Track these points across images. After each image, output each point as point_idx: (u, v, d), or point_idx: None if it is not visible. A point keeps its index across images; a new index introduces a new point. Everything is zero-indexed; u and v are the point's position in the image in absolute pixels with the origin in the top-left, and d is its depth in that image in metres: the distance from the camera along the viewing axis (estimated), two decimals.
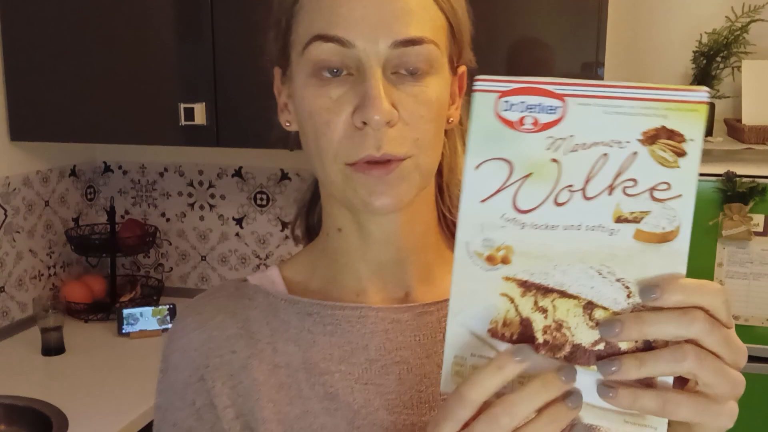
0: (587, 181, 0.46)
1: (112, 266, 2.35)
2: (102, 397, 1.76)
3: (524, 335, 0.48)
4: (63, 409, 1.68)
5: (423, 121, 0.62)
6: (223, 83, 1.95)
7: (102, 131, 2.08)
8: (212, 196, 2.45)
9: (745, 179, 1.54)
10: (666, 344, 0.46)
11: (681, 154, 0.45)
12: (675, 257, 0.46)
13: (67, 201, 2.39)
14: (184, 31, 1.98)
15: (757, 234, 1.56)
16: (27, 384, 1.82)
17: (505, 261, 0.48)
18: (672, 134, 0.45)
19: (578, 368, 0.47)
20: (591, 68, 1.76)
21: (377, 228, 0.68)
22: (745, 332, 1.59)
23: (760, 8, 1.95)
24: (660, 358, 0.45)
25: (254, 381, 0.67)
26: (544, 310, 0.48)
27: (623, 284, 0.46)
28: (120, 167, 2.52)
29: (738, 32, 1.91)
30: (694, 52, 1.97)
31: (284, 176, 2.38)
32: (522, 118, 0.47)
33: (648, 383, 0.46)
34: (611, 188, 0.46)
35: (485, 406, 0.48)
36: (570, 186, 0.47)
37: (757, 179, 1.54)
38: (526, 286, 0.48)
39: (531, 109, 0.47)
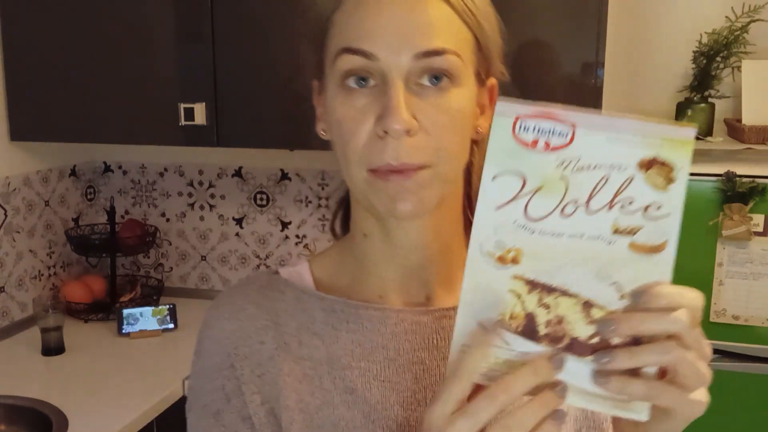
0: (590, 198, 0.53)
1: (112, 266, 2.35)
2: (102, 397, 1.76)
3: (528, 328, 0.55)
4: (63, 409, 1.68)
5: (445, 130, 0.64)
6: (223, 83, 1.96)
7: (102, 131, 2.08)
8: (212, 196, 2.45)
9: (745, 179, 1.54)
10: (650, 340, 0.53)
11: (671, 180, 0.53)
12: (662, 266, 0.53)
13: (67, 201, 2.39)
14: (184, 31, 1.98)
15: (757, 234, 1.56)
16: (27, 384, 1.82)
17: (514, 261, 0.55)
18: (664, 163, 0.52)
19: (575, 358, 0.54)
20: (591, 68, 1.76)
21: (402, 234, 0.72)
22: (745, 332, 1.59)
23: (760, 8, 1.95)
24: (648, 351, 0.53)
25: (280, 371, 0.71)
26: (547, 307, 0.54)
27: (617, 287, 0.53)
28: (120, 167, 2.52)
29: (738, 32, 1.91)
30: (694, 52, 1.97)
31: (284, 176, 2.38)
32: (536, 140, 0.54)
33: (634, 374, 0.53)
34: (611, 205, 0.53)
35: (478, 390, 0.54)
36: (575, 200, 0.54)
37: (757, 179, 1.54)
38: (533, 284, 0.54)
39: (544, 132, 0.54)
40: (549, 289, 0.54)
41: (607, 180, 0.53)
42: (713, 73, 1.94)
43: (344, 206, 0.82)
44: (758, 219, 1.56)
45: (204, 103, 1.96)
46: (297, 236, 2.40)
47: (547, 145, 0.54)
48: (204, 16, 1.93)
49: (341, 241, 0.80)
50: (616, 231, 0.53)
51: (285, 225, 2.41)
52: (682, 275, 1.61)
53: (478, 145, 0.73)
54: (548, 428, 0.54)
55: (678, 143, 0.52)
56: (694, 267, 1.60)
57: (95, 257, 2.48)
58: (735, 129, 1.91)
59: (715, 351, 1.61)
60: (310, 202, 2.37)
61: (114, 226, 2.32)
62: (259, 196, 2.42)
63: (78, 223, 2.43)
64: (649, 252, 0.53)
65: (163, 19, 1.97)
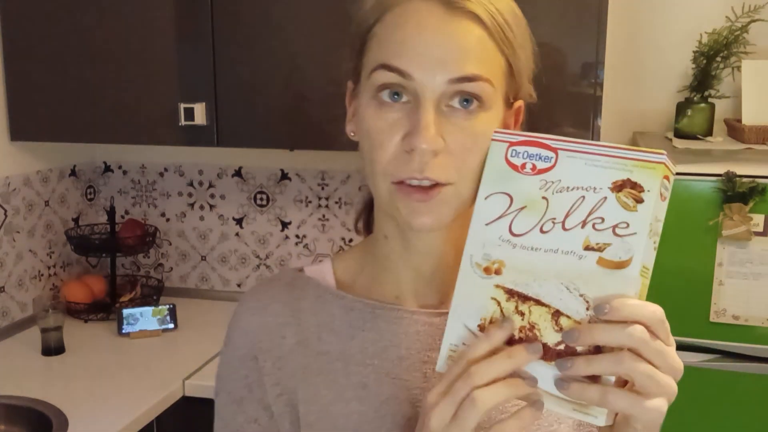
0: (566, 216, 0.59)
1: (112, 266, 2.35)
2: (102, 397, 1.76)
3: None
4: (63, 409, 1.68)
5: (468, 152, 0.67)
6: (223, 83, 1.95)
7: (102, 131, 2.08)
8: (212, 196, 2.45)
9: (745, 179, 1.54)
10: (612, 350, 0.57)
11: (639, 201, 0.57)
12: (627, 281, 0.57)
13: (67, 201, 2.39)
14: (184, 31, 1.98)
15: (757, 234, 1.56)
16: (27, 384, 1.82)
17: (497, 272, 0.61)
18: (635, 185, 0.57)
19: (542, 362, 0.59)
20: (591, 68, 1.76)
21: (420, 241, 0.76)
22: (745, 332, 1.59)
23: (760, 8, 1.95)
24: (603, 360, 0.57)
25: (298, 365, 0.76)
26: (522, 314, 0.60)
27: (585, 299, 0.58)
28: (120, 167, 2.52)
29: (738, 32, 1.91)
30: (694, 52, 1.97)
31: (284, 176, 2.38)
32: (524, 164, 0.61)
33: (595, 380, 0.58)
34: (584, 223, 0.58)
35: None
36: (553, 218, 0.60)
37: (757, 179, 1.54)
38: (511, 293, 0.61)
39: (531, 157, 0.61)
40: (525, 298, 0.60)
41: (583, 200, 0.59)
42: (713, 73, 1.94)
43: (368, 207, 0.86)
44: (758, 219, 1.55)
45: (204, 103, 1.96)
46: (297, 236, 2.40)
47: (533, 167, 0.61)
48: (204, 16, 1.93)
49: (364, 241, 0.84)
50: (587, 247, 0.58)
51: (285, 225, 2.41)
52: (682, 275, 1.62)
53: None
54: (527, 414, 0.60)
55: (648, 167, 0.57)
56: (694, 267, 1.60)
57: (95, 257, 2.48)
58: (735, 129, 1.91)
59: (715, 351, 1.61)
60: (310, 202, 2.37)
61: (114, 226, 2.32)
62: (259, 196, 2.42)
63: (78, 223, 2.43)
64: (615, 267, 0.57)
65: (163, 19, 1.97)
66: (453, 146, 0.67)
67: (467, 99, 0.67)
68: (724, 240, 1.57)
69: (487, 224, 0.62)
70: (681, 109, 1.96)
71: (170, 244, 2.52)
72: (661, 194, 0.57)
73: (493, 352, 0.60)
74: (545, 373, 0.59)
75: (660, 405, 0.58)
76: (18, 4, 2.05)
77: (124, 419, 1.65)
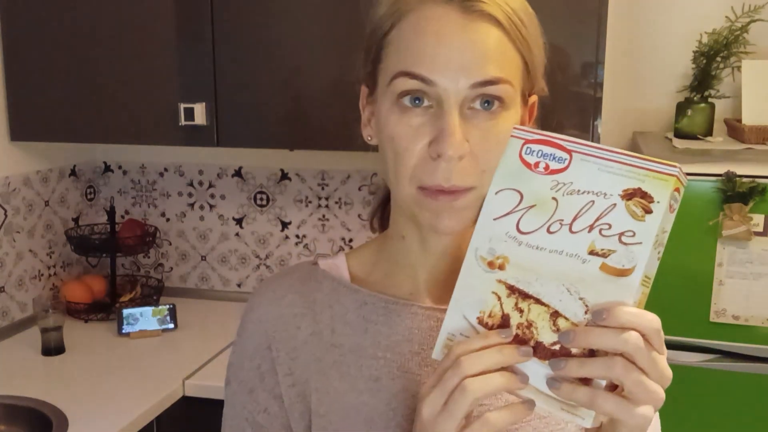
0: (574, 219, 0.59)
1: (112, 266, 2.35)
2: (102, 397, 1.76)
3: (502, 327, 0.62)
4: (63, 409, 1.68)
5: (491, 154, 0.68)
6: (223, 83, 1.95)
7: (102, 131, 2.08)
8: (212, 196, 2.46)
9: (745, 179, 1.54)
10: (605, 355, 0.58)
11: (648, 211, 0.57)
12: (626, 289, 0.57)
13: (67, 201, 2.39)
14: (184, 31, 1.98)
15: (757, 234, 1.56)
16: (27, 384, 1.82)
17: (501, 267, 0.62)
18: (645, 195, 0.57)
19: (536, 360, 0.60)
20: (591, 68, 1.76)
21: (437, 241, 0.77)
22: (745, 332, 1.59)
23: (760, 8, 1.95)
24: (596, 363, 0.58)
25: (312, 356, 0.77)
26: (521, 311, 0.61)
27: (584, 303, 0.58)
28: (120, 167, 2.52)
29: (738, 32, 1.91)
30: (694, 52, 1.97)
31: (284, 176, 2.38)
32: (537, 163, 0.61)
33: (586, 383, 0.58)
34: (591, 227, 0.59)
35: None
36: (561, 220, 0.60)
37: (757, 179, 1.54)
38: (512, 289, 0.61)
39: (545, 156, 0.61)
40: (525, 296, 0.61)
41: (592, 205, 0.59)
42: (713, 73, 1.94)
43: (382, 206, 0.87)
44: (758, 219, 1.55)
45: (204, 103, 1.96)
46: (297, 236, 2.40)
47: (546, 167, 0.61)
48: (204, 16, 1.93)
49: (378, 238, 0.85)
50: (592, 252, 0.58)
51: (285, 225, 2.41)
52: (682, 275, 1.62)
53: None
54: (520, 409, 0.61)
55: (660, 178, 0.57)
56: (694, 267, 1.60)
57: (95, 257, 2.48)
58: (735, 129, 1.91)
59: (715, 351, 1.61)
60: (310, 202, 2.37)
61: (114, 226, 2.32)
62: (259, 196, 2.42)
63: (78, 223, 2.43)
64: (617, 275, 0.57)
65: (163, 19, 1.97)
66: (477, 149, 0.68)
67: (488, 101, 0.68)
68: (724, 240, 1.57)
69: (495, 219, 0.62)
70: (681, 109, 1.96)
71: (170, 244, 2.52)
72: (670, 206, 0.58)
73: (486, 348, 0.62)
74: (538, 371, 0.60)
75: (647, 412, 0.58)
76: (18, 4, 2.05)
77: (124, 419, 1.65)
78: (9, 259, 2.14)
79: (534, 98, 0.77)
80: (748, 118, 1.86)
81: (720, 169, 1.57)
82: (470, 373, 0.60)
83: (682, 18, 2.09)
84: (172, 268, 2.53)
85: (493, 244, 0.62)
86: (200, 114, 1.96)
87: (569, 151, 0.60)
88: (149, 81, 2.00)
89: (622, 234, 0.58)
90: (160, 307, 2.17)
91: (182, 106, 1.96)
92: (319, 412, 0.76)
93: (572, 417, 0.60)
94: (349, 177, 2.32)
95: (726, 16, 1.95)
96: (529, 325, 0.60)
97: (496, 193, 0.63)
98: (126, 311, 2.13)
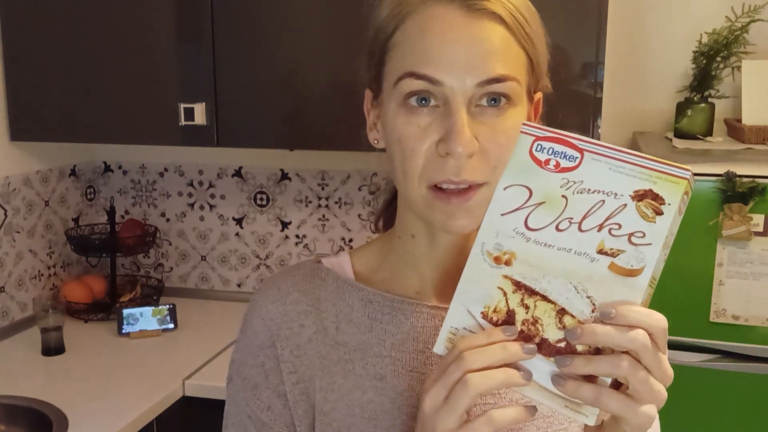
0: (584, 218, 0.59)
1: (112, 266, 2.35)
2: (102, 397, 1.76)
3: (507, 322, 0.62)
4: (63, 409, 1.68)
5: (501, 150, 0.68)
6: (223, 83, 1.95)
7: (102, 131, 2.08)
8: (212, 196, 2.45)
9: (745, 179, 1.54)
10: (612, 352, 0.58)
11: (659, 213, 0.57)
12: (635, 289, 0.57)
13: (67, 201, 2.39)
14: (184, 31, 1.98)
15: (757, 234, 1.56)
16: (27, 384, 1.82)
17: (507, 263, 0.61)
18: (656, 197, 0.57)
19: (540, 357, 0.60)
20: (591, 68, 1.76)
21: (446, 239, 0.77)
22: (745, 332, 1.59)
23: (760, 8, 1.95)
24: (602, 361, 0.57)
25: (317, 353, 0.77)
26: (527, 307, 0.61)
27: (591, 301, 0.58)
28: (120, 167, 2.52)
29: (738, 32, 1.91)
30: (694, 52, 1.97)
31: (284, 176, 2.38)
32: (548, 160, 0.61)
33: (591, 380, 0.58)
34: (601, 227, 0.59)
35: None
36: (570, 218, 0.60)
37: (757, 179, 1.54)
38: (518, 285, 0.61)
39: (556, 154, 0.61)
40: (531, 292, 0.61)
41: (602, 204, 0.59)
42: (713, 73, 1.94)
43: (387, 207, 0.88)
44: (758, 219, 1.55)
45: (204, 103, 1.96)
46: (297, 236, 2.40)
47: (557, 165, 0.61)
48: (204, 16, 1.93)
49: (382, 237, 0.85)
50: (601, 251, 0.58)
51: (285, 225, 2.41)
52: (682, 275, 1.62)
53: None
54: (523, 411, 0.61)
55: (672, 180, 0.57)
56: (694, 267, 1.60)
57: (95, 257, 2.48)
58: (735, 129, 1.91)
59: (715, 351, 1.61)
60: (310, 202, 2.37)
61: (114, 226, 2.32)
62: (259, 196, 2.42)
63: (78, 223, 2.43)
64: (626, 275, 0.58)
65: (163, 19, 1.97)
66: (486, 145, 0.68)
67: (495, 98, 0.69)
68: (724, 240, 1.57)
69: (503, 214, 0.62)
70: (681, 109, 1.96)
71: (170, 244, 2.52)
72: (679, 209, 0.58)
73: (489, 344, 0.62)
74: (542, 368, 0.60)
75: (650, 411, 0.58)
76: (18, 4, 2.05)
77: (124, 419, 1.65)
78: (9, 259, 2.14)
79: (539, 95, 0.77)
80: (748, 118, 1.86)
81: (720, 169, 1.57)
82: (473, 368, 0.59)
83: (682, 18, 2.09)
84: (172, 268, 2.53)
85: (500, 240, 0.62)
86: (200, 114, 1.96)
87: (581, 150, 0.60)
88: (149, 81, 2.00)
89: (631, 234, 0.58)
90: (160, 307, 2.17)
91: (182, 106, 1.96)
92: (324, 409, 0.76)
93: (575, 415, 0.59)
94: (349, 177, 2.32)
95: (726, 16, 1.95)
96: (535, 321, 0.60)
97: (505, 188, 0.62)
98: (126, 311, 2.13)
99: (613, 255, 0.58)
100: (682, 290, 1.61)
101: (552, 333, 0.59)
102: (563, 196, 0.60)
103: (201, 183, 2.46)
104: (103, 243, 2.34)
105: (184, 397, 1.86)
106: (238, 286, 2.49)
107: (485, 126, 0.68)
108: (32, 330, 2.10)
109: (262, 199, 2.41)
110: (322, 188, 2.36)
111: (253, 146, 2.20)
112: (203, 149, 2.37)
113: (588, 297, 0.58)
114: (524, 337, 0.60)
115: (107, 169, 2.53)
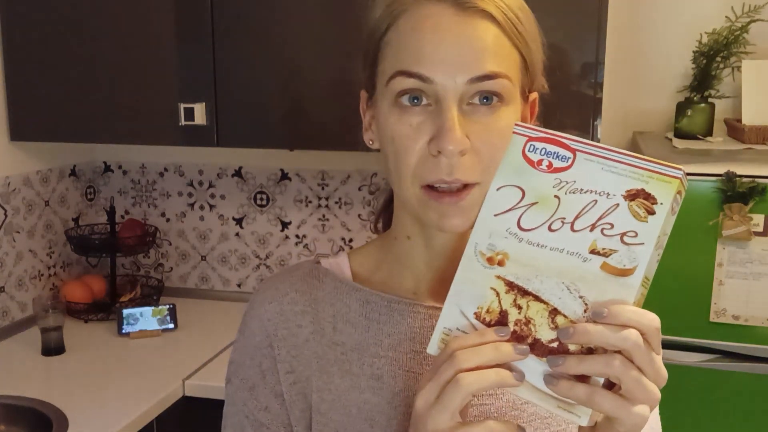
0: (576, 218, 0.59)
1: (112, 266, 2.35)
2: (102, 397, 1.76)
3: (500, 323, 0.62)
4: (63, 409, 1.68)
5: (494, 149, 0.68)
6: (223, 83, 1.96)
7: (102, 131, 2.08)
8: (212, 196, 2.46)
9: (745, 179, 1.54)
10: (605, 352, 0.58)
11: (651, 212, 0.57)
12: (627, 289, 0.57)
13: (67, 201, 2.39)
14: (184, 31, 1.98)
15: (757, 234, 1.56)
16: (27, 384, 1.82)
17: (500, 264, 0.62)
18: (648, 196, 0.57)
19: (533, 357, 0.60)
20: (591, 68, 1.76)
21: (442, 239, 0.77)
22: (745, 332, 1.59)
23: (760, 8, 1.95)
24: (594, 360, 0.57)
25: (314, 354, 0.78)
26: (519, 307, 0.61)
27: (584, 301, 0.58)
28: (120, 167, 2.52)
29: (738, 32, 1.91)
30: (694, 52, 1.97)
31: (284, 176, 2.38)
32: (540, 160, 0.61)
33: (583, 381, 0.58)
34: (593, 226, 0.59)
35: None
36: (563, 218, 0.60)
37: (757, 179, 1.54)
38: (511, 286, 0.61)
39: (549, 155, 0.61)
40: (524, 292, 0.61)
41: (595, 204, 0.59)
42: (713, 73, 1.94)
43: (385, 207, 0.87)
44: (758, 219, 1.55)
45: (204, 103, 1.96)
46: (297, 236, 2.40)
47: (549, 165, 0.61)
48: (204, 16, 1.93)
49: (380, 238, 0.85)
50: (593, 251, 0.58)
51: (285, 225, 2.41)
52: (682, 275, 1.62)
53: None
54: (514, 426, 0.62)
55: (664, 180, 0.57)
56: (694, 267, 1.60)
57: (95, 257, 2.48)
58: (735, 129, 1.91)
59: (715, 351, 1.61)
60: (310, 202, 2.37)
61: (114, 226, 2.32)
62: (259, 196, 2.42)
63: (78, 223, 2.43)
64: (618, 274, 0.58)
65: (163, 19, 1.97)
66: (478, 144, 0.68)
67: (487, 96, 0.68)
68: (724, 240, 1.57)
69: (496, 215, 0.62)
70: (681, 109, 1.96)
71: (170, 244, 2.52)
72: (672, 208, 0.58)
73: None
74: (535, 368, 0.60)
75: (644, 411, 0.58)
76: (18, 4, 2.05)
77: (124, 419, 1.65)
78: (9, 259, 2.14)
79: (534, 95, 0.77)
80: (748, 118, 1.86)
81: (720, 169, 1.57)
82: (465, 367, 0.59)
83: (682, 18, 2.09)
84: (172, 268, 2.53)
85: (493, 240, 0.62)
86: (200, 114, 1.96)
87: (573, 150, 0.60)
88: (149, 81, 2.00)
89: (624, 234, 0.58)
90: (160, 307, 2.17)
91: (182, 106, 1.96)
92: (320, 410, 0.76)
93: (568, 415, 0.59)
94: (349, 177, 2.32)
95: (726, 16, 1.95)
96: (528, 321, 0.60)
97: (498, 189, 0.63)
98: (126, 311, 2.13)
99: (605, 255, 0.58)
100: (682, 290, 1.61)
101: (544, 333, 0.60)
102: (556, 196, 0.60)
103: (201, 183, 2.46)
104: (103, 243, 2.34)
105: (184, 397, 1.86)
106: (238, 286, 2.49)
107: (478, 125, 0.68)
108: (32, 330, 2.10)
109: (262, 199, 2.41)
110: (322, 188, 2.36)
111: (253, 146, 2.21)
112: (203, 149, 2.37)
113: (580, 297, 0.58)
114: (517, 338, 0.61)
115: (107, 169, 2.53)
